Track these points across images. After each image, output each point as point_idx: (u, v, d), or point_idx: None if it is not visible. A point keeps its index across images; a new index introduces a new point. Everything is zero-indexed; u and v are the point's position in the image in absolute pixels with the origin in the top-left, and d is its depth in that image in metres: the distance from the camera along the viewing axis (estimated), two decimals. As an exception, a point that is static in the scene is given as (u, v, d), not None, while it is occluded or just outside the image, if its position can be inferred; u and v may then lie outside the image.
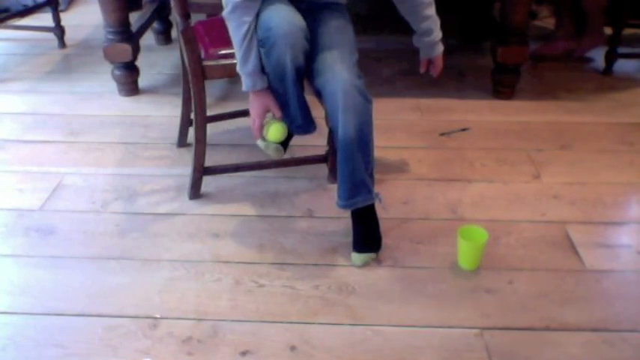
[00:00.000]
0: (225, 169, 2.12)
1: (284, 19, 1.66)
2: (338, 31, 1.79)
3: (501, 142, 2.42)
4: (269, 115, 1.81)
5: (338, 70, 1.69)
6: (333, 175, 2.12)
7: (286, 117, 1.82)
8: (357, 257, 1.79)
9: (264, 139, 1.84)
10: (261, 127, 1.80)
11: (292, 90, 1.74)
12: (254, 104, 1.78)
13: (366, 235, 1.82)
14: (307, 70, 1.76)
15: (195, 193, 2.07)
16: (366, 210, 1.81)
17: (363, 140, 1.71)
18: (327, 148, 2.11)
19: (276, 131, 1.81)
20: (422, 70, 2.03)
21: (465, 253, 1.76)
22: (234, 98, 2.70)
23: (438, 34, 1.93)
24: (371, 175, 1.78)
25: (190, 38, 1.86)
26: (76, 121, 2.57)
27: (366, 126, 1.71)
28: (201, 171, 2.04)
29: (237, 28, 1.67)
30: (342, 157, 1.73)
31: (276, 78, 1.72)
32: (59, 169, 2.24)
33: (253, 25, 1.68)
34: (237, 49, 1.70)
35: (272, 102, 1.77)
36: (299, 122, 1.83)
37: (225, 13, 1.67)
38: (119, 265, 1.79)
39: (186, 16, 1.84)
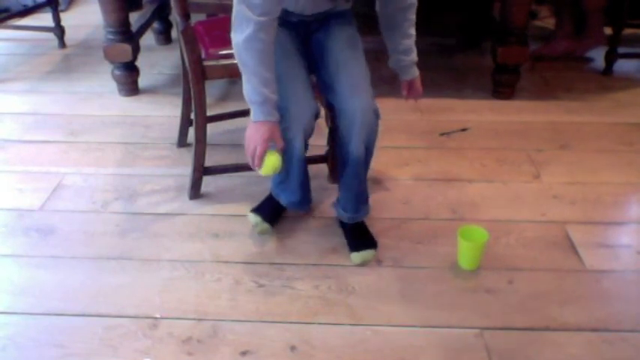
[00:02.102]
0: (225, 169, 2.12)
1: (300, 101, 1.64)
2: (349, 46, 1.77)
3: (501, 142, 2.42)
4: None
5: (357, 92, 1.68)
6: (333, 175, 2.12)
7: (285, 191, 1.86)
8: (357, 256, 1.80)
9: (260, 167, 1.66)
10: (262, 155, 1.60)
11: (297, 170, 1.76)
12: (261, 131, 1.58)
13: (360, 235, 1.84)
14: (319, 81, 1.79)
15: (195, 193, 2.07)
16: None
17: (368, 154, 1.74)
18: (327, 148, 2.10)
19: (275, 161, 1.61)
20: (405, 93, 1.93)
21: (465, 253, 1.76)
22: (234, 98, 2.70)
23: (415, 55, 1.85)
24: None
25: (190, 38, 1.86)
26: (76, 121, 2.57)
27: (373, 141, 1.73)
28: (201, 171, 2.04)
29: (261, 51, 1.54)
30: (351, 172, 1.75)
31: (283, 155, 1.68)
32: (59, 169, 2.24)
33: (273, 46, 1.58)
34: (254, 73, 1.56)
35: (278, 131, 1.61)
36: (296, 199, 1.86)
37: (241, 39, 1.53)
38: (119, 265, 1.79)
39: (186, 16, 1.84)
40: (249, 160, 1.63)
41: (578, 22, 3.12)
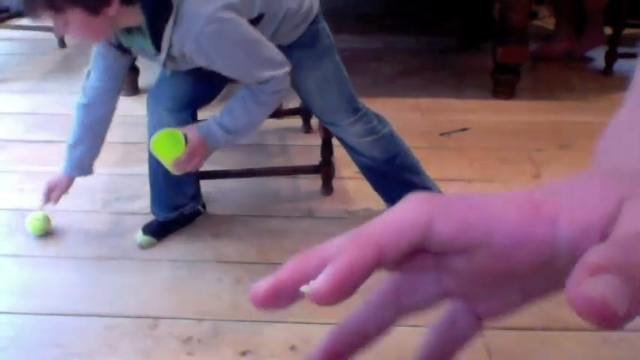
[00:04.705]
0: (226, 173, 2.10)
1: (158, 90, 1.69)
2: (319, 90, 1.67)
3: (501, 142, 2.42)
4: (40, 213, 1.85)
5: (342, 135, 1.72)
6: (326, 187, 2.08)
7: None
8: None
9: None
10: (47, 194, 1.76)
11: (152, 168, 1.81)
12: (56, 175, 1.77)
13: None
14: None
15: None
16: None
17: (395, 168, 1.75)
18: (320, 159, 2.04)
19: (34, 223, 1.83)
20: None
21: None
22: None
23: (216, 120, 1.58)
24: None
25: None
26: (77, 121, 2.57)
27: (398, 157, 1.75)
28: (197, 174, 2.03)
29: (82, 119, 1.71)
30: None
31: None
32: (59, 169, 2.23)
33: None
34: (72, 129, 1.72)
35: (62, 185, 1.76)
36: (151, 200, 1.88)
37: (76, 103, 1.71)
38: (119, 265, 1.79)
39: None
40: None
41: (578, 22, 3.12)
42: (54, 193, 1.76)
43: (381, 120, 1.75)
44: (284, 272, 0.28)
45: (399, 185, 1.73)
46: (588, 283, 0.24)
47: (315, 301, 0.28)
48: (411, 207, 0.28)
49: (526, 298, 0.33)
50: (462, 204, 0.29)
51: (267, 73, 1.46)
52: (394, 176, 1.74)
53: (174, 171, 1.53)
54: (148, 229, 1.86)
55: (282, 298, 0.29)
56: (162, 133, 1.52)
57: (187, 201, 1.90)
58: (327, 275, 0.27)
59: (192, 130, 1.51)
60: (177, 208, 1.88)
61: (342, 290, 0.27)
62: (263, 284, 0.28)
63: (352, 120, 1.69)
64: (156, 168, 1.81)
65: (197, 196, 1.94)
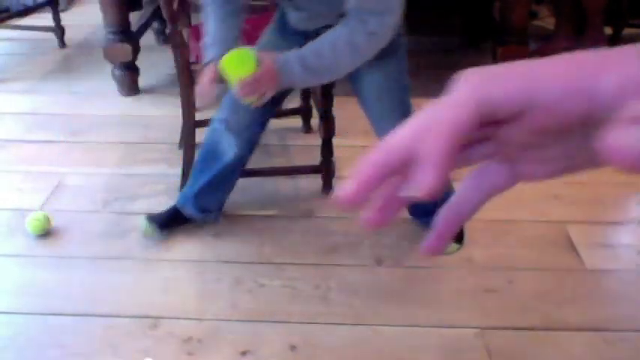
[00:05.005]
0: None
1: (239, 109, 1.63)
2: (379, 94, 1.60)
3: (501, 142, 2.42)
4: (40, 213, 1.89)
5: None
6: (326, 187, 2.08)
7: (191, 179, 1.86)
8: (454, 246, 1.81)
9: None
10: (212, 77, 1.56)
11: (204, 167, 1.79)
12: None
13: None
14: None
15: None
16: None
17: None
18: (320, 159, 2.05)
19: (35, 225, 1.87)
20: None
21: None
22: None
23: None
24: None
25: (178, 42, 1.84)
26: (77, 121, 2.57)
27: None
28: (188, 175, 2.03)
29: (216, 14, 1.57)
30: None
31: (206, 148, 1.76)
32: (59, 169, 2.24)
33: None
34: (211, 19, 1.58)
35: (206, 72, 1.56)
36: (188, 193, 1.85)
37: None
38: (119, 265, 1.79)
39: (173, 19, 1.82)
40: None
41: (578, 22, 3.12)
42: (210, 83, 1.56)
43: None
44: (368, 167, 0.31)
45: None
46: (619, 132, 0.25)
47: (425, 193, 0.30)
48: (469, 89, 0.31)
49: (567, 165, 0.37)
50: (509, 71, 0.31)
51: (379, 6, 1.37)
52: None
53: (238, 94, 1.46)
54: (154, 219, 1.87)
55: (366, 194, 0.32)
56: (237, 51, 1.46)
57: (216, 208, 1.90)
58: (430, 169, 0.30)
59: (268, 57, 1.43)
60: (204, 211, 1.88)
61: (444, 178, 0.30)
62: (348, 187, 0.31)
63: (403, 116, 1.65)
64: (203, 166, 1.81)
65: (222, 206, 1.93)
